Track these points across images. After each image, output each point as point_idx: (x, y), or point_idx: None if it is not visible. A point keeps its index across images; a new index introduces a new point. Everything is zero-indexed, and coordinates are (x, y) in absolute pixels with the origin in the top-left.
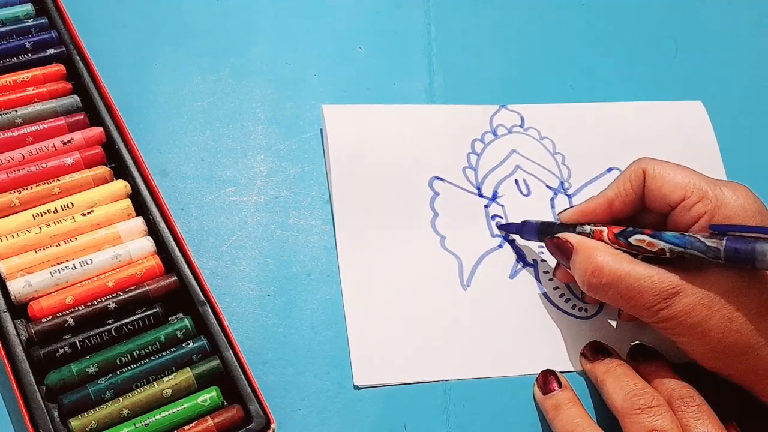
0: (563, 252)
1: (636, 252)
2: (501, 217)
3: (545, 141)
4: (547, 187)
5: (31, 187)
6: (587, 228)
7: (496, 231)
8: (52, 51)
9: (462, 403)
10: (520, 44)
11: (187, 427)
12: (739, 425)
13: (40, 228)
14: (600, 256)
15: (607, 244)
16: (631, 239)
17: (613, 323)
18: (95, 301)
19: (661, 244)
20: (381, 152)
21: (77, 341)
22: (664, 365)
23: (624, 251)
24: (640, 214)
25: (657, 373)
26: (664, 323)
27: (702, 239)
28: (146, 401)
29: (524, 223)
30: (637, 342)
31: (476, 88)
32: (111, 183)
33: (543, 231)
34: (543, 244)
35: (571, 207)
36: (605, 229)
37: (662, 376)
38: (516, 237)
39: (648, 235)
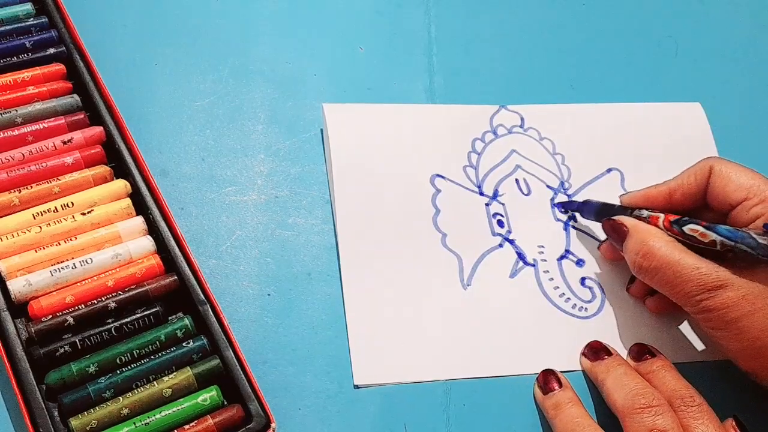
0: (618, 234)
1: (688, 242)
2: (502, 216)
3: (545, 141)
4: (548, 186)
5: (31, 187)
6: (644, 213)
7: (497, 229)
8: (52, 50)
9: (462, 402)
10: (520, 44)
11: (187, 427)
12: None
13: (40, 227)
14: (652, 241)
15: (661, 230)
16: (685, 228)
17: (614, 323)
18: (95, 301)
19: (714, 236)
20: (382, 150)
21: (77, 340)
22: (664, 365)
23: (677, 240)
24: (698, 211)
25: (657, 372)
26: (704, 314)
27: (754, 236)
28: (146, 400)
29: (585, 202)
30: (637, 342)
31: (476, 88)
32: (111, 182)
33: (602, 212)
34: (585, 218)
35: (632, 192)
36: (662, 215)
37: (663, 376)
38: (577, 215)
39: (702, 226)
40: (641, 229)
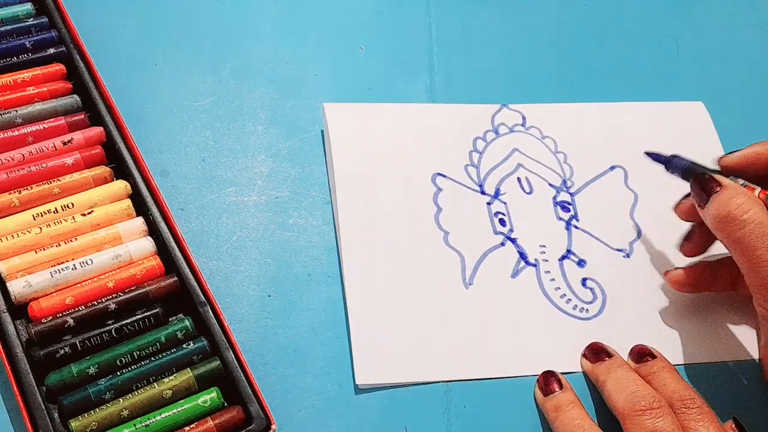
0: (706, 189)
1: None
2: (504, 215)
3: (547, 140)
4: (550, 185)
5: (32, 187)
6: (740, 181)
7: (499, 228)
8: (52, 50)
9: (463, 404)
10: (521, 44)
11: (187, 428)
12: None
13: (41, 228)
14: (746, 199)
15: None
16: None
17: (614, 324)
18: (95, 302)
19: None
20: (383, 149)
21: (77, 342)
22: (665, 366)
23: None
24: None
25: (658, 374)
26: None
27: None
28: (146, 402)
29: (674, 156)
30: (638, 343)
31: (477, 88)
32: (111, 183)
33: (690, 170)
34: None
35: (734, 152)
36: (758, 188)
37: (663, 378)
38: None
39: None
40: (735, 187)
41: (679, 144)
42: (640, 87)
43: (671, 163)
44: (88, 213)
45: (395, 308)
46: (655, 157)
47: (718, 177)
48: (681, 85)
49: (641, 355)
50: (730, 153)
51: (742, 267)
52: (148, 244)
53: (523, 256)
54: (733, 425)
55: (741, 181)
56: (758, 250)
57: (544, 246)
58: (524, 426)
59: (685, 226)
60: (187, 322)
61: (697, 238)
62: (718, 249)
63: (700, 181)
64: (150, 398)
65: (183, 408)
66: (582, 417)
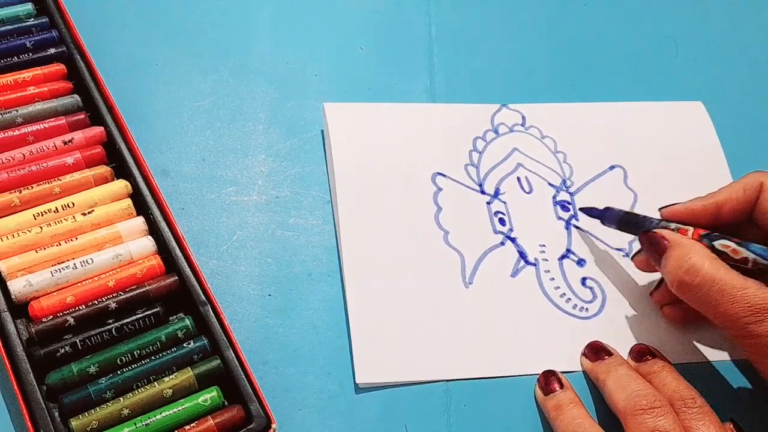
0: (657, 248)
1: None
2: (504, 214)
3: (546, 140)
4: (549, 184)
5: (32, 187)
6: (672, 225)
7: (498, 227)
8: (52, 50)
9: (463, 403)
10: (521, 44)
11: (188, 427)
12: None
13: (41, 227)
14: (696, 257)
15: (703, 246)
16: (716, 243)
17: (614, 323)
18: (96, 301)
19: (746, 253)
20: (383, 149)
21: (78, 341)
22: (665, 366)
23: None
24: (741, 227)
25: (658, 373)
26: (750, 340)
27: None
28: (147, 401)
29: (607, 209)
30: (638, 343)
31: (477, 88)
32: (112, 182)
33: (625, 221)
34: (606, 225)
35: (674, 204)
36: (691, 229)
37: (664, 377)
38: (594, 223)
39: (734, 242)
40: (684, 244)
41: (677, 144)
42: (639, 87)
43: (605, 217)
44: (89, 212)
45: (395, 307)
46: (588, 212)
47: (663, 233)
48: (680, 85)
49: (641, 354)
50: (669, 206)
51: (716, 323)
52: (148, 243)
53: (522, 255)
54: (732, 426)
55: (673, 226)
56: (720, 307)
57: (544, 245)
58: (524, 425)
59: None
60: (187, 321)
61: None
62: None
63: (647, 239)
64: (150, 397)
65: (183, 407)
66: (582, 416)
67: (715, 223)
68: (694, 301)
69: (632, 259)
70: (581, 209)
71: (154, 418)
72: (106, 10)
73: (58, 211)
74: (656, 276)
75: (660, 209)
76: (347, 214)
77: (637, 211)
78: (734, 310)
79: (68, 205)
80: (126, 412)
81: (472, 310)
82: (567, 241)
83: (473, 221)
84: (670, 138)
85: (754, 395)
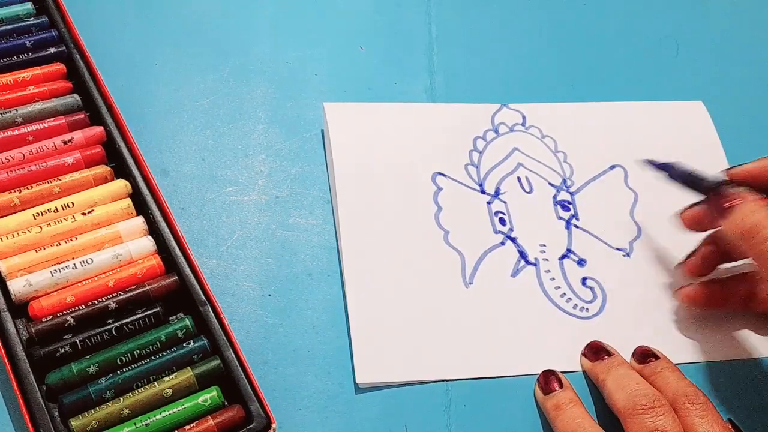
0: (724, 201)
1: None
2: (504, 214)
3: (547, 139)
4: (550, 184)
5: (32, 187)
6: (739, 189)
7: (499, 227)
8: (52, 50)
9: (463, 403)
10: (521, 44)
11: (187, 427)
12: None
13: (41, 227)
14: (764, 210)
15: None
16: None
17: (614, 323)
18: (96, 301)
19: None
20: (383, 149)
21: (78, 341)
22: (668, 366)
23: None
24: None
25: (662, 374)
26: None
27: None
28: (147, 401)
29: (674, 163)
30: (637, 342)
31: (477, 87)
32: (111, 182)
33: (694, 177)
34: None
35: (741, 165)
36: (756, 195)
37: (667, 376)
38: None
39: None
40: (753, 199)
41: (678, 143)
42: (639, 86)
43: (672, 170)
44: (89, 212)
45: (395, 307)
46: (656, 164)
47: (736, 189)
48: (681, 85)
49: (645, 355)
50: (737, 166)
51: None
52: (148, 243)
53: (523, 255)
54: (730, 427)
55: (740, 190)
56: None
57: (544, 245)
58: (524, 425)
59: (685, 233)
60: (187, 321)
61: (705, 256)
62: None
63: (722, 192)
64: (150, 397)
65: (183, 407)
66: (582, 416)
67: None
68: (758, 251)
69: (681, 215)
70: (647, 161)
71: (154, 418)
72: (106, 9)
73: (57, 211)
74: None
75: (727, 170)
76: (347, 214)
77: (638, 211)
78: None
79: (68, 204)
80: (126, 412)
81: (473, 310)
82: (567, 241)
83: (473, 221)
84: (670, 137)
85: (754, 395)
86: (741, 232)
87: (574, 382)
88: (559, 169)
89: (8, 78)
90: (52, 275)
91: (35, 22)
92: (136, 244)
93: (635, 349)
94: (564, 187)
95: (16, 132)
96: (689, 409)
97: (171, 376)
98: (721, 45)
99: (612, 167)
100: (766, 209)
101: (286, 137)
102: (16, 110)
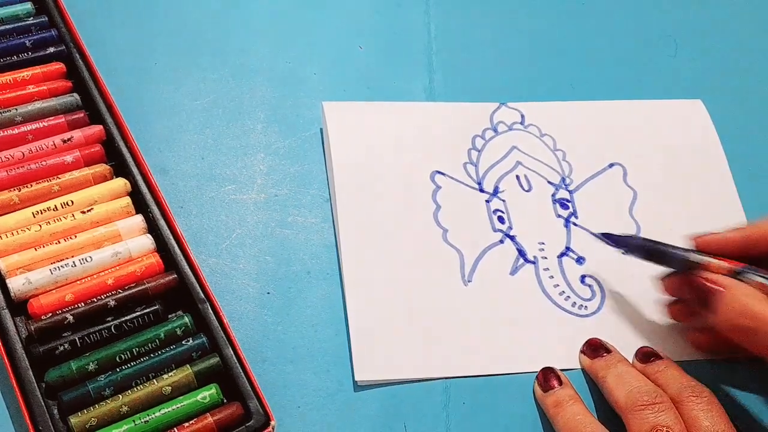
0: (705, 294)
1: None
2: (503, 212)
3: (546, 138)
4: (549, 182)
5: (31, 185)
6: (697, 257)
7: (498, 225)
8: (52, 49)
9: (462, 400)
10: (520, 43)
11: (186, 425)
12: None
13: (40, 226)
14: (748, 299)
15: (754, 288)
16: (744, 278)
17: (613, 321)
18: (95, 299)
19: None
20: (382, 148)
21: (77, 338)
22: (671, 364)
23: None
24: None
25: (664, 371)
26: None
27: None
28: (146, 398)
29: (631, 237)
30: (636, 340)
31: (476, 86)
32: (111, 181)
33: (650, 251)
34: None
35: (708, 234)
36: (722, 263)
37: (670, 374)
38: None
39: (764, 276)
40: (736, 286)
41: (677, 142)
42: (638, 85)
43: (630, 244)
44: (88, 210)
45: (394, 306)
46: (612, 238)
47: (711, 276)
48: (680, 83)
49: (647, 356)
50: (705, 235)
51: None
52: (147, 241)
53: (522, 253)
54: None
55: (698, 258)
56: None
57: (543, 243)
58: (524, 422)
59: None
60: (186, 319)
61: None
62: None
63: (699, 283)
64: (149, 394)
65: (182, 404)
66: (582, 412)
67: (750, 255)
68: (749, 344)
69: (661, 280)
70: (601, 235)
71: (153, 416)
72: (106, 8)
73: (57, 209)
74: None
75: (693, 238)
76: (346, 213)
77: (637, 209)
78: None
79: (67, 203)
80: (125, 409)
81: (472, 308)
82: (566, 239)
83: (472, 219)
84: (669, 136)
85: (754, 395)
86: (726, 330)
87: (573, 379)
88: (557, 167)
89: (8, 77)
90: (52, 273)
91: (35, 21)
92: (135, 243)
93: (638, 350)
94: (563, 186)
95: (16, 131)
96: (694, 402)
97: (170, 374)
98: (720, 43)
99: (611, 165)
100: (751, 294)
101: (285, 136)
102: (16, 109)
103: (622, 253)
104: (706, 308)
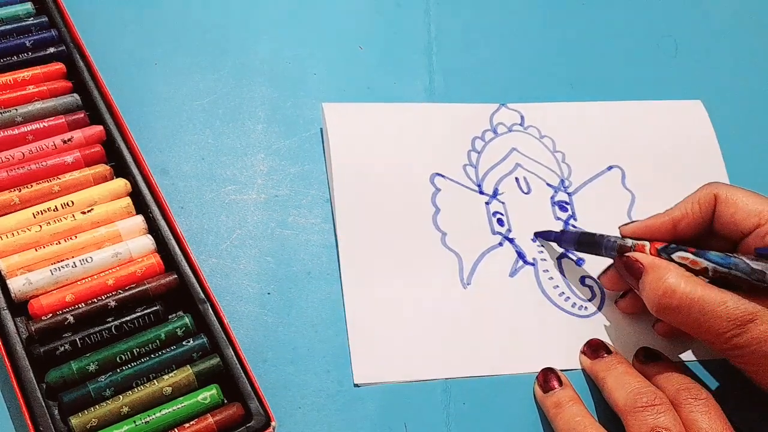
0: (632, 272)
1: None
2: (502, 214)
3: (545, 139)
4: (548, 185)
5: (32, 186)
6: (629, 242)
7: (497, 228)
8: (52, 50)
9: (462, 401)
10: (519, 43)
11: (187, 425)
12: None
13: (41, 226)
14: (671, 278)
15: (677, 265)
16: (674, 256)
17: (613, 321)
18: (95, 299)
19: (705, 263)
20: (381, 149)
21: (77, 339)
22: (670, 365)
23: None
24: (706, 238)
25: (664, 372)
26: (735, 351)
27: (747, 261)
28: (146, 399)
29: (563, 232)
30: (642, 346)
31: (476, 87)
32: (111, 181)
33: (582, 242)
34: (564, 249)
35: (632, 222)
36: (647, 243)
37: (669, 375)
38: (553, 244)
39: (692, 253)
40: (658, 266)
41: (676, 142)
42: (638, 86)
43: (562, 240)
44: (88, 211)
45: (393, 309)
46: (544, 235)
47: (637, 256)
48: (679, 84)
49: (647, 356)
50: (628, 223)
51: (701, 340)
52: (147, 241)
53: (521, 255)
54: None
55: (630, 242)
56: (703, 325)
57: (542, 245)
58: (524, 423)
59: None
60: (186, 320)
61: (634, 299)
62: None
63: (622, 263)
64: (150, 395)
65: (183, 405)
66: (582, 413)
67: (678, 239)
68: (676, 322)
69: (599, 278)
70: (536, 234)
71: (153, 416)
72: (106, 9)
73: (57, 210)
74: None
75: (620, 227)
76: (345, 215)
77: (635, 211)
78: (717, 325)
79: (68, 203)
80: (125, 410)
81: (471, 310)
82: None
83: (471, 222)
84: (668, 137)
85: (754, 395)
86: (654, 311)
87: (573, 380)
88: (557, 169)
89: (8, 77)
90: (52, 274)
91: (35, 21)
92: (135, 243)
93: (637, 350)
94: (562, 188)
95: (16, 131)
96: (692, 404)
97: (170, 374)
98: (719, 44)
99: (610, 168)
100: (673, 272)
101: (285, 136)
102: (16, 109)
103: (564, 251)
104: (637, 286)
